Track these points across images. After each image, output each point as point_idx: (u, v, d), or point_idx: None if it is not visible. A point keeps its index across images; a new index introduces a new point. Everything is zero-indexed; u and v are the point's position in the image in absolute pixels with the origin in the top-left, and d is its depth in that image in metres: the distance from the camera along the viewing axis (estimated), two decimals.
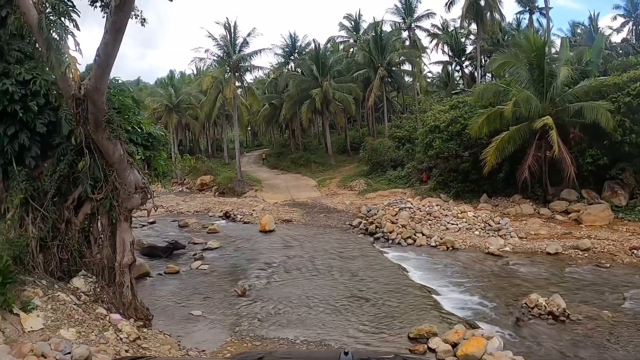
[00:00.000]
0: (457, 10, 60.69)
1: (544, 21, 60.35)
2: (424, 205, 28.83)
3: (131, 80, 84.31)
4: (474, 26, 58.22)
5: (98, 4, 14.51)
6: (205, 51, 53.92)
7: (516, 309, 14.86)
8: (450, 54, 67.04)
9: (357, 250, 23.83)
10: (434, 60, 73.07)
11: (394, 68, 59.20)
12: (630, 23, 59.78)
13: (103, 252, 13.23)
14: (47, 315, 10.69)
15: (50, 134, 12.66)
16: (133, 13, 13.41)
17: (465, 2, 53.37)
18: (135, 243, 14.27)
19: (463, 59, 66.86)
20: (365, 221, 28.65)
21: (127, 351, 10.71)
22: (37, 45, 12.01)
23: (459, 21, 59.94)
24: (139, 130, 13.68)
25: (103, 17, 12.22)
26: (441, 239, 24.04)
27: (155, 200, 14.42)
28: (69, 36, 11.40)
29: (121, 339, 11.22)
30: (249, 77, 62.01)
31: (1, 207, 12.97)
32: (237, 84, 55.18)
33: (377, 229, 26.76)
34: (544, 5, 57.61)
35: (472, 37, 63.35)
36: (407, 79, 64.72)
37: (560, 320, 13.88)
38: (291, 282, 18.77)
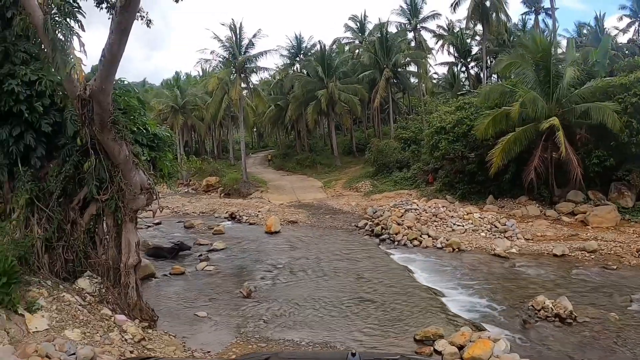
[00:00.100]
0: (463, 11, 60.85)
1: (549, 22, 60.35)
2: (429, 207, 28.71)
3: (137, 82, 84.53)
4: (479, 27, 58.17)
5: (104, 5, 14.53)
6: (210, 52, 53.98)
7: (523, 311, 14.80)
8: (455, 55, 66.84)
9: (363, 251, 23.76)
10: (439, 61, 72.81)
11: (399, 69, 59.11)
12: (637, 23, 59.33)
13: (108, 253, 13.24)
14: (52, 316, 10.69)
15: (56, 134, 12.71)
16: (139, 14, 13.42)
17: (470, 2, 53.27)
18: (140, 244, 14.27)
19: (469, 60, 66.68)
20: (371, 222, 28.57)
21: (131, 352, 10.70)
22: (42, 46, 12.03)
23: (464, 22, 59.84)
24: (144, 131, 13.67)
25: (109, 18, 12.22)
26: (447, 240, 23.95)
27: (160, 201, 14.42)
28: (75, 37, 11.39)
29: (126, 339, 11.21)
30: (254, 79, 62.20)
31: (7, 207, 13.00)
32: (243, 85, 55.29)
33: (383, 230, 26.68)
34: (549, 6, 57.57)
35: (477, 38, 63.20)
36: (412, 80, 64.61)
37: (567, 322, 13.81)
38: (297, 284, 18.74)
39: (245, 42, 53.57)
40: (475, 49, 65.66)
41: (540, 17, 62.65)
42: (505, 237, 24.17)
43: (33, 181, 12.45)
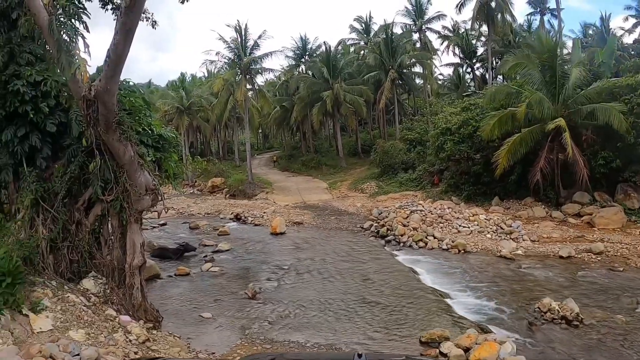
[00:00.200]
0: (468, 12, 60.35)
1: (555, 22, 60.15)
2: (435, 208, 28.61)
3: (142, 83, 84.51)
4: (484, 28, 57.91)
5: (109, 6, 14.55)
6: (216, 54, 54.16)
7: (529, 313, 14.73)
8: (461, 55, 66.69)
9: (368, 253, 23.72)
10: (444, 62, 72.52)
11: (404, 70, 59.14)
12: None
13: (113, 254, 13.22)
14: (57, 317, 10.68)
15: (61, 135, 12.72)
16: (144, 15, 13.41)
17: (476, 3, 53.12)
18: (145, 245, 14.25)
19: (474, 60, 66.49)
20: (376, 224, 28.50)
21: (136, 353, 10.67)
22: (47, 47, 12.04)
23: (469, 23, 59.55)
24: (149, 131, 13.66)
25: (114, 19, 12.22)
26: (453, 242, 23.88)
27: (166, 202, 14.38)
28: (79, 38, 11.42)
29: (130, 340, 11.19)
30: (259, 80, 62.29)
31: (12, 207, 13.02)
32: (248, 86, 55.29)
33: (389, 231, 26.61)
34: (555, 7, 57.32)
35: (483, 38, 62.99)
36: (418, 81, 64.64)
37: (573, 324, 13.72)
38: (302, 285, 18.71)
39: (250, 43, 53.73)
40: (480, 50, 65.50)
41: (545, 18, 62.48)
42: (511, 238, 24.07)
43: (38, 182, 12.46)
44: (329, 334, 13.74)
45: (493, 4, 52.68)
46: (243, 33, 53.62)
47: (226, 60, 54.45)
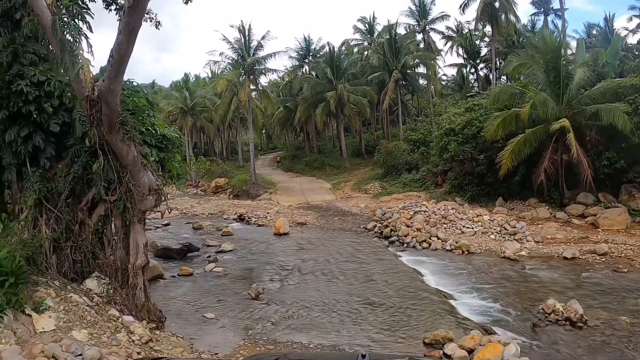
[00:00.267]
0: (472, 12, 60.54)
1: (559, 23, 59.98)
2: (439, 209, 28.58)
3: (146, 83, 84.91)
4: (488, 28, 57.90)
5: (112, 6, 14.57)
6: (219, 54, 54.03)
7: (533, 315, 14.68)
8: (465, 56, 66.55)
9: (372, 253, 23.68)
10: (448, 63, 72.50)
11: (408, 71, 59.05)
12: None
13: (116, 254, 13.23)
14: (59, 317, 10.67)
15: (65, 135, 12.73)
16: (147, 16, 13.46)
17: (479, 4, 53.11)
18: (148, 245, 14.26)
19: (478, 61, 66.32)
20: (380, 224, 28.46)
21: (139, 353, 10.66)
22: (51, 47, 12.05)
23: (473, 23, 59.59)
24: (153, 131, 13.65)
25: (118, 20, 12.23)
26: (456, 242, 23.83)
27: (169, 203, 14.40)
28: (83, 38, 11.42)
29: (133, 341, 11.18)
30: (263, 80, 62.36)
31: (15, 207, 13.03)
32: (252, 86, 55.36)
33: (392, 232, 26.58)
34: (559, 7, 57.26)
35: (486, 39, 62.88)
36: (421, 81, 64.56)
37: (577, 326, 13.68)
38: (305, 286, 18.68)
39: (254, 43, 53.68)
40: (484, 50, 65.35)
41: (549, 18, 62.53)
42: (515, 239, 24.01)
43: (41, 181, 12.46)
44: (333, 334, 13.72)
45: (497, 5, 52.64)
46: (247, 33, 53.66)
47: (230, 61, 54.38)
